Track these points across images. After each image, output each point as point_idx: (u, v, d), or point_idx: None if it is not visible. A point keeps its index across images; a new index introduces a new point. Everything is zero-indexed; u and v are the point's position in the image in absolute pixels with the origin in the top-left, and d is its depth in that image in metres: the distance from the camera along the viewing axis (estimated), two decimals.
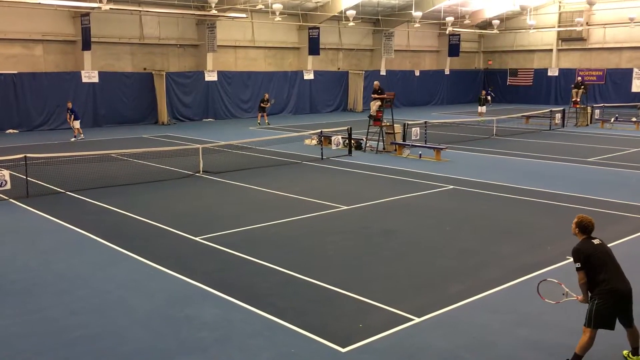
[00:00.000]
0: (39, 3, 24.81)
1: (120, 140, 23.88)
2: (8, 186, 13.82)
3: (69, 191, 14.39)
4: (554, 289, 6.40)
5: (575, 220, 6.13)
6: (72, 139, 23.91)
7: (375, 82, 22.18)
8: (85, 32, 27.56)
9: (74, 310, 7.50)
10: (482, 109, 32.59)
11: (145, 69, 31.16)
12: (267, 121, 29.69)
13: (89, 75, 28.59)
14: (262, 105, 29.94)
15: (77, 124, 24.38)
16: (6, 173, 13.96)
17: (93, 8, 25.82)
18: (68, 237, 10.74)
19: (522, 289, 8.14)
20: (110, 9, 25.56)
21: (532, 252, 9.79)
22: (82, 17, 27.51)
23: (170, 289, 8.18)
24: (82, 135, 24.42)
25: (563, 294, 6.19)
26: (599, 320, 5.80)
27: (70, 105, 24.39)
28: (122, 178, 15.92)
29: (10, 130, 26.67)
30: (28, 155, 14.57)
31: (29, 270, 9.01)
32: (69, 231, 11.11)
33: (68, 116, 24.53)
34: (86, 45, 27.88)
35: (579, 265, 5.87)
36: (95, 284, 8.39)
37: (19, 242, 10.48)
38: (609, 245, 6.22)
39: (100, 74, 28.98)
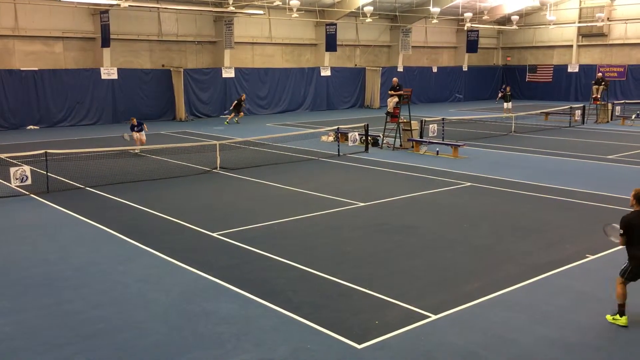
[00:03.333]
0: (60, 0, 25.09)
1: None
2: (29, 181, 14.02)
3: (89, 186, 14.56)
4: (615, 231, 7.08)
5: (633, 192, 6.94)
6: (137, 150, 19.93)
7: (394, 79, 22.09)
8: (105, 29, 27.84)
9: (93, 303, 7.60)
10: (509, 105, 32.25)
11: (163, 65, 31.38)
12: (236, 120, 28.83)
13: (108, 72, 28.86)
14: (238, 103, 29.16)
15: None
16: (27, 168, 14.15)
17: (112, 5, 26.03)
18: (87, 232, 10.87)
19: (540, 287, 8.07)
20: (129, 5, 25.77)
21: (550, 250, 9.71)
22: (102, 14, 27.79)
23: (187, 284, 8.25)
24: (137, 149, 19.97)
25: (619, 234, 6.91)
26: (630, 277, 6.91)
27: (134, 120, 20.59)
28: (140, 174, 16.06)
29: (31, 127, 27.05)
30: (48, 151, 14.79)
31: (49, 264, 9.13)
32: (88, 226, 11.24)
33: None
34: (105, 42, 28.16)
35: (622, 232, 6.81)
36: (114, 278, 8.49)
37: (39, 237, 10.62)
38: None
39: (119, 70, 29.25)
